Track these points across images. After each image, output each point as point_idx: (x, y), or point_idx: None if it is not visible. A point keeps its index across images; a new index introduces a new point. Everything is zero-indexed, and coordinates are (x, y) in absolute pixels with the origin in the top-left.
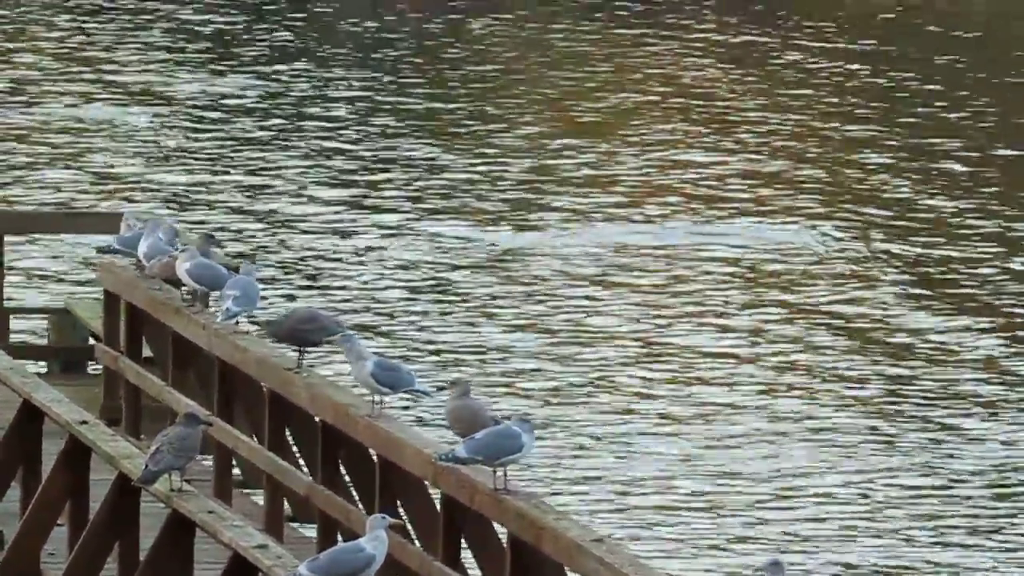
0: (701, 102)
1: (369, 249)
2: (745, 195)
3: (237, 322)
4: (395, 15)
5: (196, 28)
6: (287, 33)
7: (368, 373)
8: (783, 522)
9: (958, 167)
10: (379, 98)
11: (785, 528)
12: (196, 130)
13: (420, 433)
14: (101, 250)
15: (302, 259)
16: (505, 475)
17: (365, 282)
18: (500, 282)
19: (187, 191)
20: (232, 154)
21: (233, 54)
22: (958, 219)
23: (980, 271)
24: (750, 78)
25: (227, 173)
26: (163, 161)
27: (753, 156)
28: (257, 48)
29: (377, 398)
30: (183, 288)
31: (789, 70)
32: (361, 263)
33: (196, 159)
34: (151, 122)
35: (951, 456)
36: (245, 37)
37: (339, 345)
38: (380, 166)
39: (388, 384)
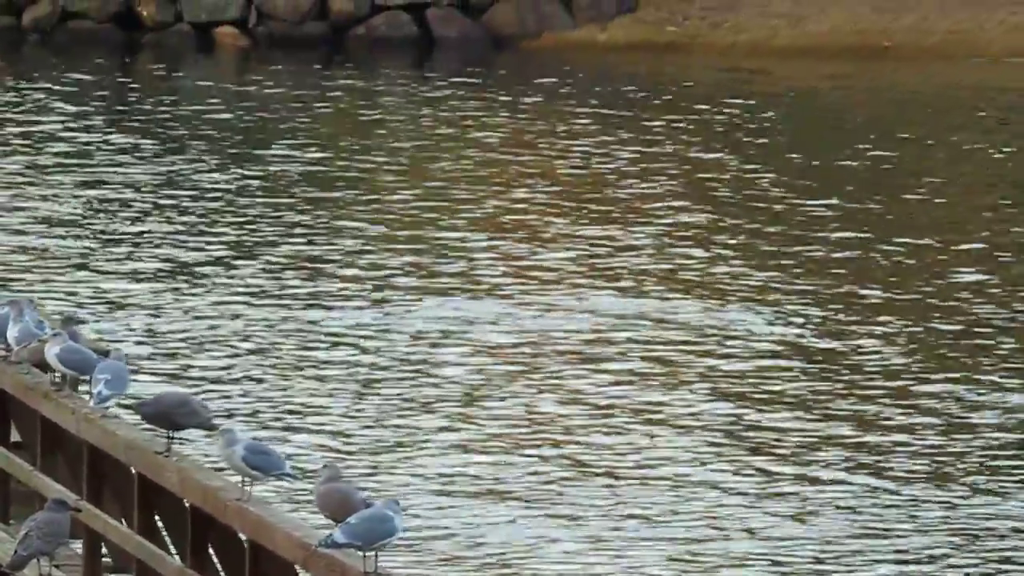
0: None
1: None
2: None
3: (108, 406)
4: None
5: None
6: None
7: (239, 457)
8: None
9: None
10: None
11: None
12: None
13: (290, 517)
14: None
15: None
16: (376, 558)
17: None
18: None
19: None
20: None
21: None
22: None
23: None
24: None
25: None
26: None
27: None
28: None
29: (247, 481)
30: (52, 372)
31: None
32: (245, 345)
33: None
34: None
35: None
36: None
37: (215, 436)
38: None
39: (259, 467)
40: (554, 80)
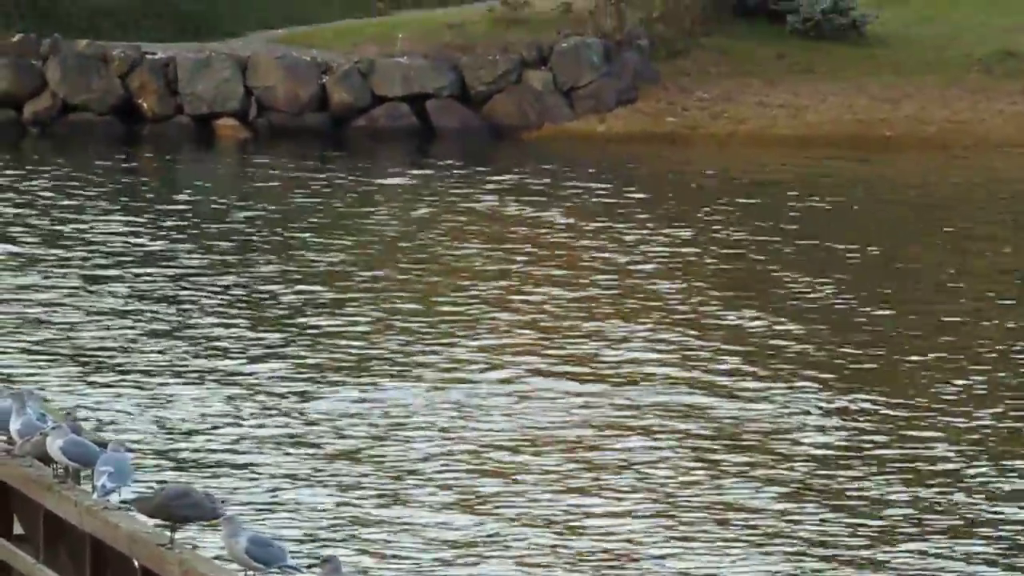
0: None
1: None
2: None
3: (112, 499)
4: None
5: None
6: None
7: (242, 549)
8: None
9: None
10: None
11: None
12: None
13: None
14: None
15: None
16: None
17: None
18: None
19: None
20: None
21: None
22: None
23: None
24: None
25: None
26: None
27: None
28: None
29: (250, 573)
30: (54, 465)
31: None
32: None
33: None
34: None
35: None
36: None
37: (220, 524)
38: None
39: (262, 560)
40: (555, 170)
